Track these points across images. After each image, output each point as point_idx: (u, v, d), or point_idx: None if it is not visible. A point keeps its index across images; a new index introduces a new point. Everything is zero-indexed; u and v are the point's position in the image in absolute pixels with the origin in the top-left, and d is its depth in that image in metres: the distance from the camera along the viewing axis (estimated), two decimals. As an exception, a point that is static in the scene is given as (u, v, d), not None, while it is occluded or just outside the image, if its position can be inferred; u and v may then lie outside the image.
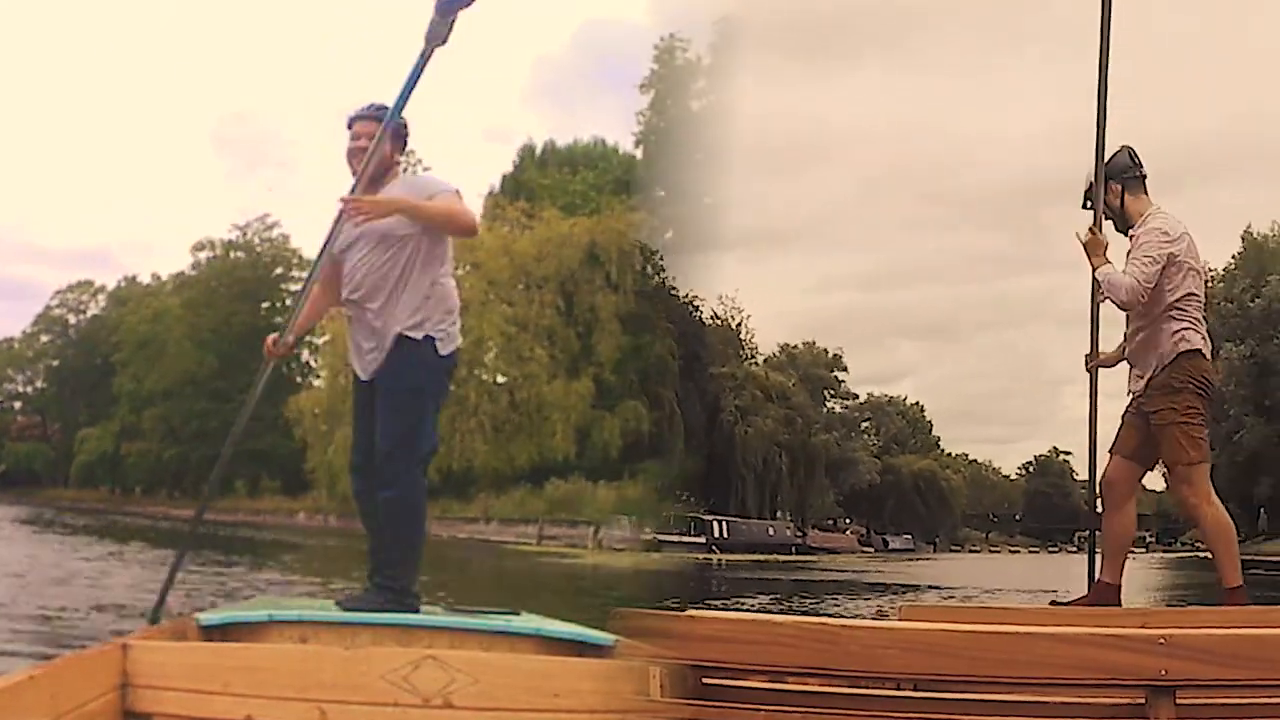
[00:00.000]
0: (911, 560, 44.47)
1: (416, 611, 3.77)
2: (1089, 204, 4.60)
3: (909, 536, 61.38)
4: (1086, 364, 4.84)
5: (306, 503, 50.37)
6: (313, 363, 57.17)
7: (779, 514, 51.35)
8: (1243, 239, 42.53)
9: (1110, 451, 4.61)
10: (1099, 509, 4.64)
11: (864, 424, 62.03)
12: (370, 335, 3.99)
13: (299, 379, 57.21)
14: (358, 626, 3.50)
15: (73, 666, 2.35)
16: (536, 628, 3.53)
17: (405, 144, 4.14)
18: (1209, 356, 4.49)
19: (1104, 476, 4.60)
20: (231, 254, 61.29)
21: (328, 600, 4.05)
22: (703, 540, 39.21)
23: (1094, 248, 4.50)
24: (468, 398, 42.72)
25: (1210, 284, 41.98)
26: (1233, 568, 4.26)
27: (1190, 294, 4.43)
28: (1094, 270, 4.51)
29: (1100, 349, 4.84)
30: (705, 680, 2.49)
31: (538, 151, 53.53)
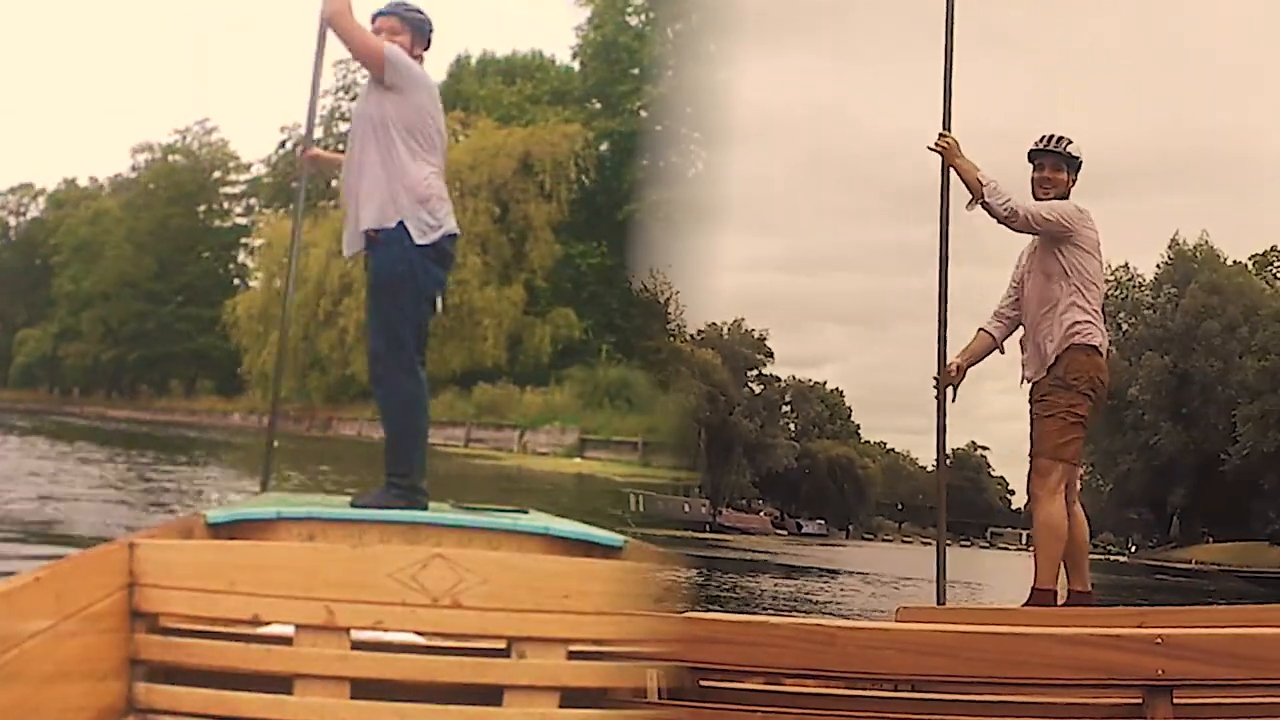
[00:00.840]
0: (825, 545, 45.02)
1: (425, 509, 3.77)
2: (1039, 155, 4.58)
3: (822, 522, 61.97)
4: (935, 386, 4.72)
5: (241, 404, 51.15)
6: (249, 264, 58.20)
7: (693, 491, 51.48)
8: (1169, 247, 43.17)
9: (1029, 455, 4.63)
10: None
11: (784, 407, 62.47)
12: (349, 220, 4.02)
13: (236, 281, 58.27)
14: (365, 524, 3.50)
15: (78, 567, 2.30)
16: (545, 526, 3.54)
17: (427, 41, 4.15)
18: (1104, 354, 4.49)
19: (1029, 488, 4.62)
20: (170, 157, 61.38)
21: (338, 496, 4.08)
22: (619, 512, 39.20)
23: (956, 153, 4.54)
24: None
25: (1137, 290, 43.02)
26: (1047, 567, 4.25)
27: (1093, 284, 4.45)
28: (966, 174, 4.49)
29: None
30: (702, 682, 2.48)
31: (474, 62, 53.83)
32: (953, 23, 4.72)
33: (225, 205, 61.65)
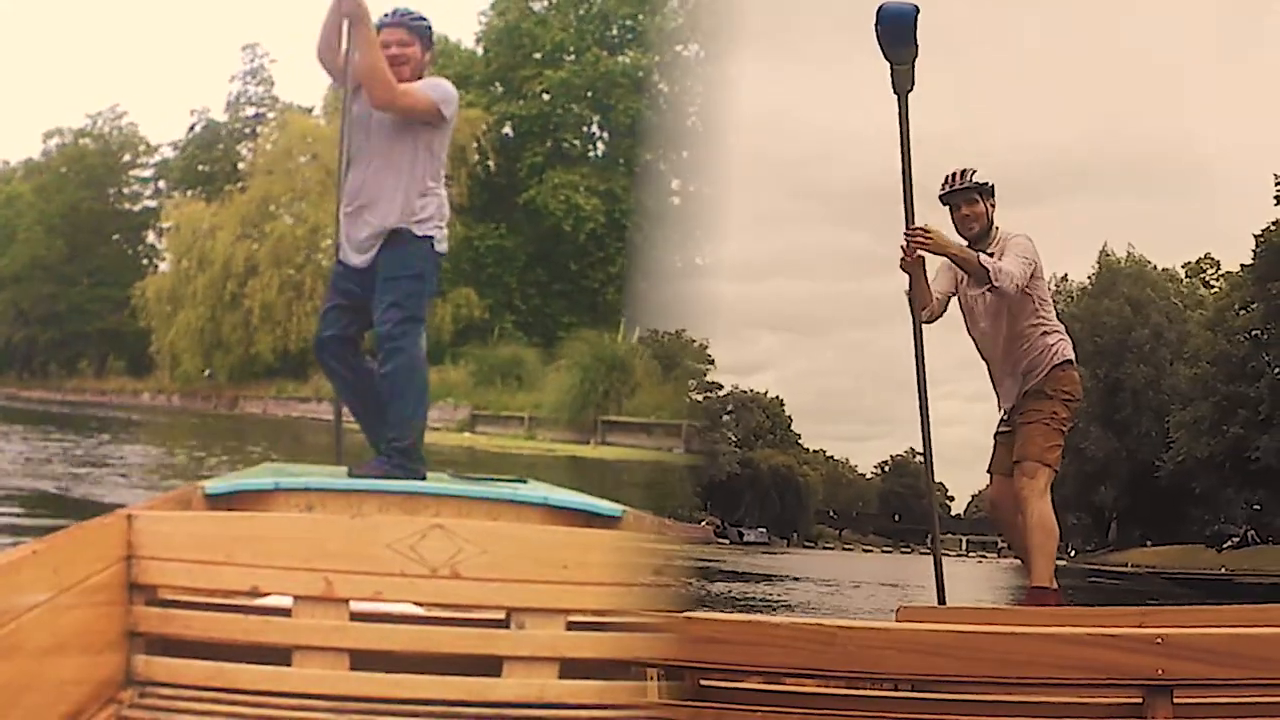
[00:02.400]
0: (768, 553, 45.39)
1: (423, 479, 3.79)
2: (951, 197, 4.60)
3: (764, 530, 62.28)
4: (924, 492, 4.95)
5: (150, 383, 52.05)
6: (158, 245, 58.47)
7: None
8: (1099, 259, 44.08)
9: (989, 471, 4.74)
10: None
11: (725, 416, 62.71)
12: (368, 229, 4.13)
13: (144, 262, 58.72)
14: (364, 494, 3.52)
15: (75, 539, 2.28)
16: (544, 496, 3.57)
17: (432, 44, 4.31)
18: (1075, 365, 4.65)
19: (989, 498, 4.72)
20: (80, 141, 61.27)
21: (334, 466, 4.10)
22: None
23: (943, 240, 4.49)
24: (304, 282, 44.91)
25: (1069, 302, 44.03)
26: (1044, 567, 4.40)
27: (1047, 301, 4.62)
28: (968, 262, 4.46)
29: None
30: (702, 682, 2.46)
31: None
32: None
33: (135, 189, 62.17)
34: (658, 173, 45.64)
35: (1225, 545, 34.94)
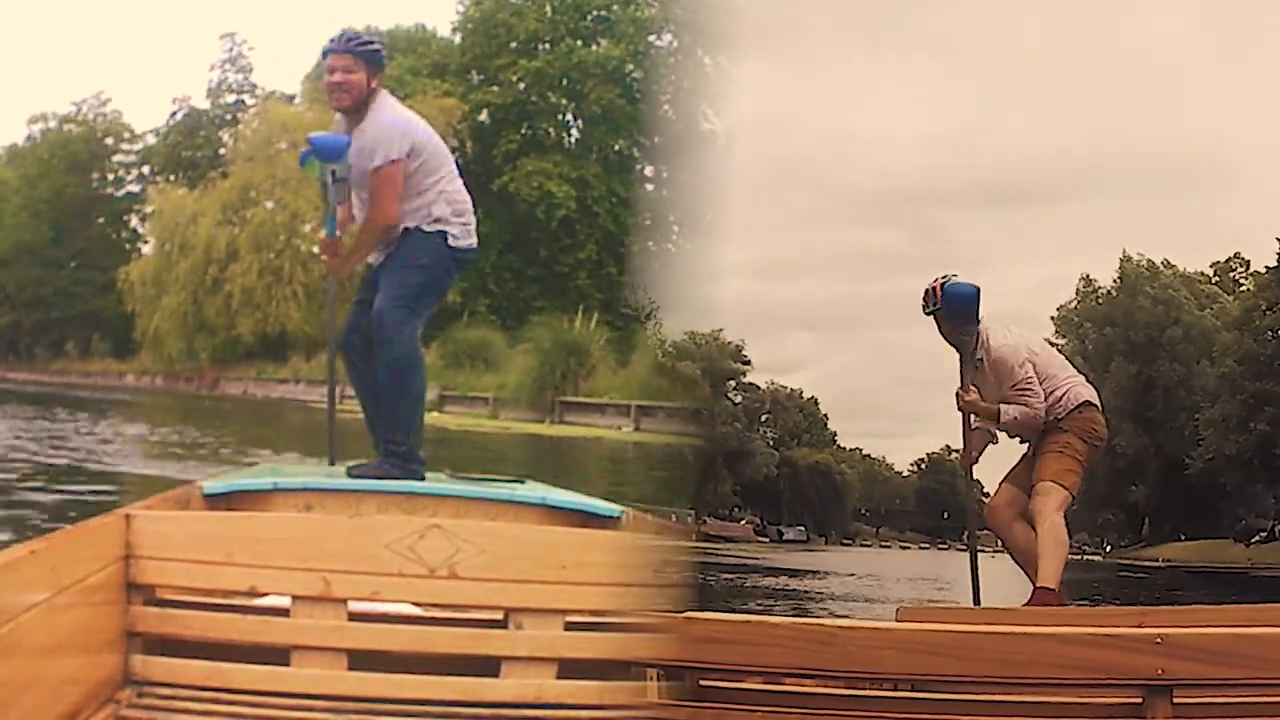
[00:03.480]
0: (808, 550, 45.63)
1: (421, 479, 3.79)
2: (932, 310, 4.74)
3: (802, 528, 62.16)
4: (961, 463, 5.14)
5: (134, 365, 53.59)
6: (141, 230, 59.79)
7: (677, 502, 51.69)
8: (1120, 264, 44.40)
9: (1003, 481, 4.82)
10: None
11: (764, 416, 62.71)
12: (389, 242, 4.18)
13: (128, 246, 59.81)
14: (362, 494, 3.53)
15: (74, 539, 2.30)
16: (542, 497, 3.56)
17: (382, 67, 4.23)
18: (1099, 406, 4.80)
19: (989, 502, 4.83)
20: (65, 127, 62.51)
21: (331, 467, 4.12)
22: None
23: (975, 405, 4.76)
24: (283, 267, 46.60)
25: (1094, 302, 44.24)
26: (1051, 569, 4.44)
27: (1059, 365, 4.80)
28: (994, 420, 4.75)
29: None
30: (702, 682, 2.47)
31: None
32: None
33: (119, 174, 63.17)
34: (659, 177, 46.39)
35: (1253, 540, 35.43)
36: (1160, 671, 2.24)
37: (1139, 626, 2.54)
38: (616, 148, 47.08)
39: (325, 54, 4.13)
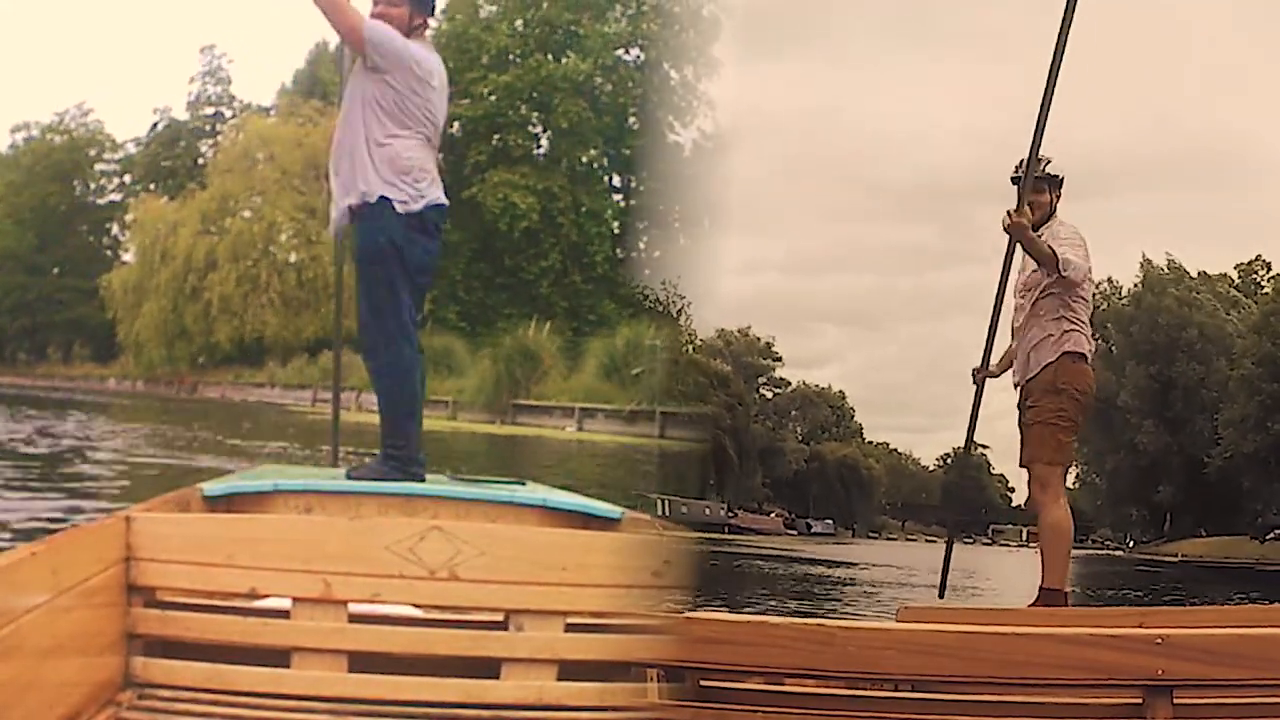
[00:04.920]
0: (837, 543, 46.26)
1: (421, 481, 3.77)
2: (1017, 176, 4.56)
3: (830, 522, 62.22)
4: (974, 376, 4.93)
5: (115, 369, 56.54)
6: (121, 238, 62.82)
7: (710, 496, 52.04)
8: (1141, 268, 44.62)
9: (1022, 465, 4.70)
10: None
11: (793, 411, 63.04)
12: (335, 208, 3.98)
13: (109, 253, 62.85)
14: (363, 496, 3.51)
15: (74, 541, 2.30)
16: (542, 498, 3.55)
17: (433, 7, 4.17)
18: (1089, 361, 4.61)
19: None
20: (48, 137, 64.74)
21: (333, 469, 4.11)
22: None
23: (1023, 230, 4.48)
24: (260, 276, 49.25)
25: (1119, 304, 44.47)
26: (1055, 569, 4.36)
27: (1082, 299, 4.58)
28: (1040, 252, 4.46)
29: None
30: (702, 683, 2.47)
31: (333, 48, 55.70)
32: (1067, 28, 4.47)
33: (100, 183, 65.82)
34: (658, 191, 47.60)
35: (1269, 536, 36.47)
36: (1160, 672, 2.23)
37: (1139, 627, 2.53)
38: (584, 159, 48.78)
39: None
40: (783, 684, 2.52)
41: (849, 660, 2.40)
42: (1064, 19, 4.33)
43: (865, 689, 2.52)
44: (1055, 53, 4.40)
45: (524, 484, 3.86)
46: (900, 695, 2.55)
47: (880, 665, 2.42)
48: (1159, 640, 2.24)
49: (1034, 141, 4.48)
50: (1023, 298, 4.67)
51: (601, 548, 2.67)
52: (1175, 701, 2.25)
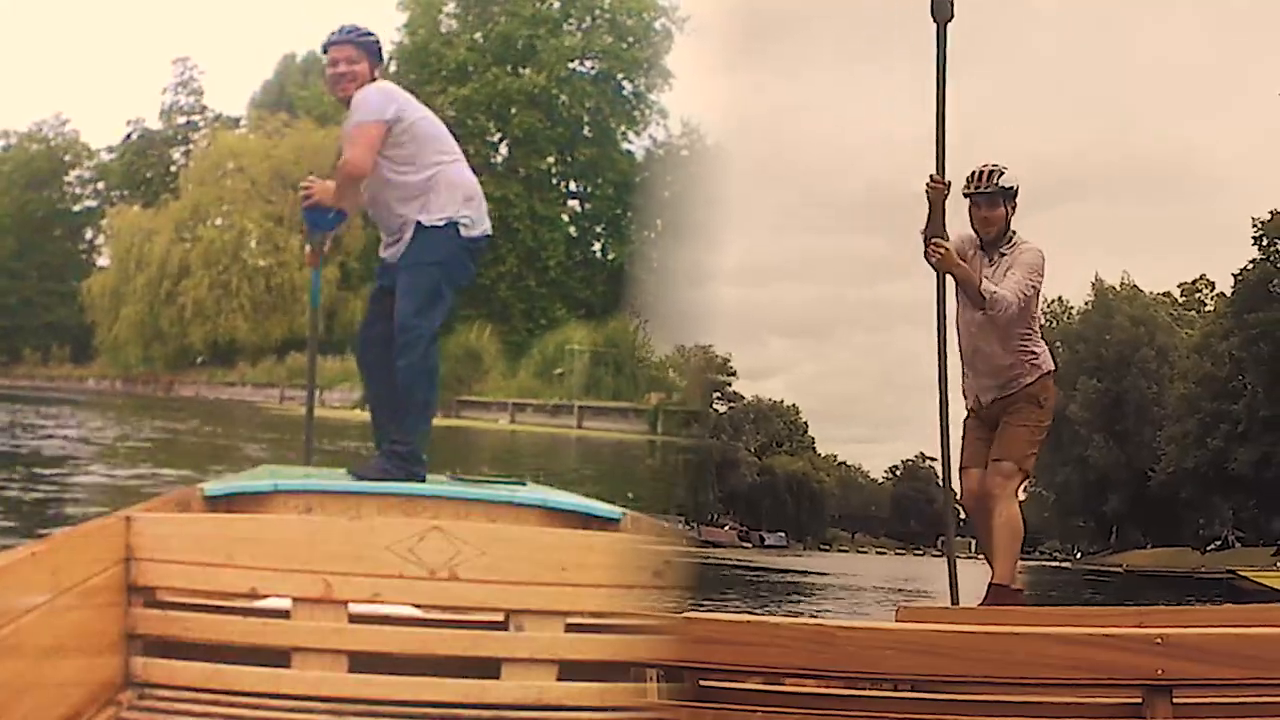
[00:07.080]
0: (794, 555, 47.17)
1: (423, 480, 3.80)
2: (974, 196, 4.61)
3: (783, 534, 62.69)
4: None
5: (94, 370, 58.98)
6: (97, 243, 64.78)
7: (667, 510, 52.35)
8: (1092, 286, 45.64)
9: (963, 468, 4.75)
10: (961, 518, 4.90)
11: (748, 426, 63.62)
12: (392, 230, 4.19)
13: (85, 259, 64.42)
14: (363, 496, 3.53)
15: (74, 541, 2.29)
16: (542, 499, 3.57)
17: (382, 59, 4.29)
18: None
19: (971, 491, 4.73)
20: (26, 144, 66.05)
21: (334, 468, 4.12)
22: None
23: (950, 264, 4.54)
24: (230, 282, 51.89)
25: (1069, 322, 45.53)
26: (1006, 565, 4.46)
27: (1036, 318, 4.74)
28: (968, 284, 4.53)
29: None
30: (702, 683, 2.46)
31: (299, 61, 58.39)
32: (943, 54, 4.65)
33: (77, 190, 67.39)
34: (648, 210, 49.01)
35: (1209, 547, 38.30)
36: (1160, 671, 2.24)
37: (1139, 626, 2.54)
38: (541, 167, 50.81)
39: (326, 48, 4.17)
40: (782, 684, 2.51)
41: (848, 660, 2.39)
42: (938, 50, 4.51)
43: (865, 689, 2.52)
44: (938, 75, 4.56)
45: (524, 484, 3.89)
46: (900, 695, 2.55)
47: (880, 665, 2.42)
48: (1158, 640, 2.25)
49: (938, 160, 4.59)
50: (976, 317, 4.67)
51: (601, 548, 2.67)
52: (1174, 701, 2.26)
